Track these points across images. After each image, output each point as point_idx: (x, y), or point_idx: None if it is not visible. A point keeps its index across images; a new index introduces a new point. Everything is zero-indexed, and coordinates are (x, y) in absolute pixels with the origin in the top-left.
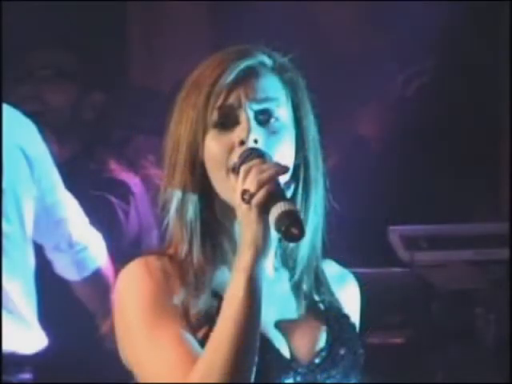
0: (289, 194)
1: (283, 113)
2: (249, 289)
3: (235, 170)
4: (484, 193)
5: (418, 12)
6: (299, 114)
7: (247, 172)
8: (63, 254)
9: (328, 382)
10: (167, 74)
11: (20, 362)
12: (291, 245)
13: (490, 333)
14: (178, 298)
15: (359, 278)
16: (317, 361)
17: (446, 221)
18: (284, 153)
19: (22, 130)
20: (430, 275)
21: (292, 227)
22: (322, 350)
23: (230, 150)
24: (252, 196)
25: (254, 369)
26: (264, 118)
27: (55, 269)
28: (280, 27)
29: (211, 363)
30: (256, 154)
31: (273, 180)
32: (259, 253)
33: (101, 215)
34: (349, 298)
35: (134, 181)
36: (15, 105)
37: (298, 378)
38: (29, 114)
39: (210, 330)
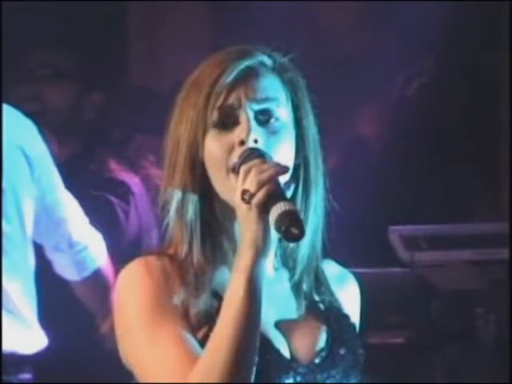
0: (289, 194)
1: (283, 113)
2: (249, 289)
3: (235, 169)
4: (484, 193)
5: (418, 12)
6: (299, 114)
7: (247, 172)
8: (63, 254)
9: (328, 382)
10: (167, 74)
11: (20, 361)
12: (291, 245)
13: (490, 333)
14: (177, 298)
15: (359, 278)
16: (317, 361)
17: (446, 221)
18: (284, 153)
19: (22, 130)
20: (430, 275)
21: (292, 227)
22: (321, 350)
23: (230, 149)
24: (252, 196)
25: (254, 369)
26: (264, 117)
27: (55, 269)
28: (280, 27)
29: (211, 363)
30: (256, 154)
31: (273, 180)
32: (259, 253)
33: (101, 215)
34: (349, 297)
35: (133, 181)
36: (15, 105)
37: (298, 378)
38: (29, 113)
39: (210, 330)
